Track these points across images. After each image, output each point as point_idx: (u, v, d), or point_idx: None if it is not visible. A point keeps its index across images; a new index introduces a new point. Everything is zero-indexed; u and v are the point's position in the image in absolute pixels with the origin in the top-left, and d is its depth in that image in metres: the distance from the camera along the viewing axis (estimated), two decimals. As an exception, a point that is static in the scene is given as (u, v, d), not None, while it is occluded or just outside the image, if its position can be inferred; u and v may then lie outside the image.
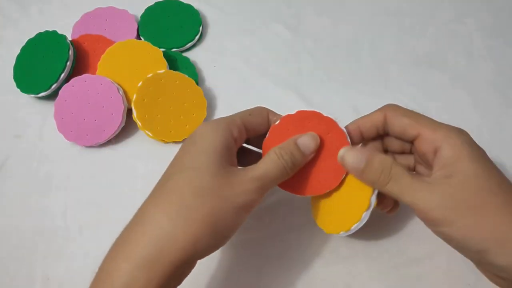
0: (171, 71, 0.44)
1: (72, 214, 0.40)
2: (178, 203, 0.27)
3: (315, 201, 0.35)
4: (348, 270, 0.37)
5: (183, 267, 0.27)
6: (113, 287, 0.25)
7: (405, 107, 0.32)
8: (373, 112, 0.33)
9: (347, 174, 0.32)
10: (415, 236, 0.38)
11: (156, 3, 0.51)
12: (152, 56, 0.44)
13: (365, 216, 0.31)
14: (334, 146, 0.32)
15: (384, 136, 0.34)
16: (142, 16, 0.50)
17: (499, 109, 0.45)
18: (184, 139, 0.43)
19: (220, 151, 0.29)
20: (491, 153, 0.30)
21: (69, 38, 0.47)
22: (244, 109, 0.33)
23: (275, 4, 0.53)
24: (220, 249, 0.37)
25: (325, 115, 0.33)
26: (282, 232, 0.39)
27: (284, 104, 0.46)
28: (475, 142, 0.29)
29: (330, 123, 0.32)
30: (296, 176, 0.32)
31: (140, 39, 0.49)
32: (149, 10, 0.50)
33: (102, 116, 0.42)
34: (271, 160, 0.30)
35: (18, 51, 0.46)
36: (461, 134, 0.29)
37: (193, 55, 0.49)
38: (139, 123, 0.42)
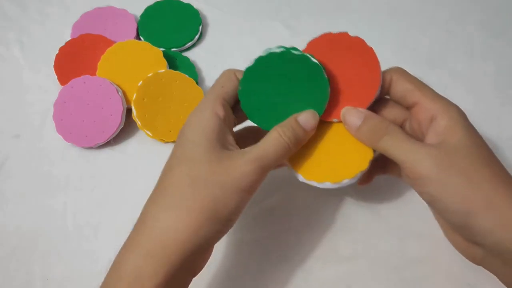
0: (172, 70, 0.43)
1: (72, 214, 0.40)
2: (176, 196, 0.27)
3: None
4: (349, 271, 0.37)
5: (192, 255, 0.27)
6: (120, 277, 0.26)
7: None
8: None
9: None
10: (415, 236, 0.38)
11: (156, 2, 0.50)
12: (152, 56, 0.44)
13: (359, 175, 0.31)
14: (358, 95, 0.32)
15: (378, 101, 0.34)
16: (142, 15, 0.50)
17: (499, 109, 0.45)
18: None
19: (210, 137, 0.29)
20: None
21: (69, 37, 0.47)
22: (213, 84, 0.32)
23: (275, 4, 0.53)
24: (220, 249, 0.38)
25: (381, 68, 0.32)
26: (282, 233, 0.39)
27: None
28: (468, 119, 0.30)
29: (375, 72, 0.32)
30: None
31: (140, 38, 0.49)
32: (149, 10, 0.50)
33: (101, 117, 0.42)
34: (273, 139, 0.29)
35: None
36: (458, 108, 0.30)
37: (193, 55, 0.49)
38: (138, 122, 0.42)
